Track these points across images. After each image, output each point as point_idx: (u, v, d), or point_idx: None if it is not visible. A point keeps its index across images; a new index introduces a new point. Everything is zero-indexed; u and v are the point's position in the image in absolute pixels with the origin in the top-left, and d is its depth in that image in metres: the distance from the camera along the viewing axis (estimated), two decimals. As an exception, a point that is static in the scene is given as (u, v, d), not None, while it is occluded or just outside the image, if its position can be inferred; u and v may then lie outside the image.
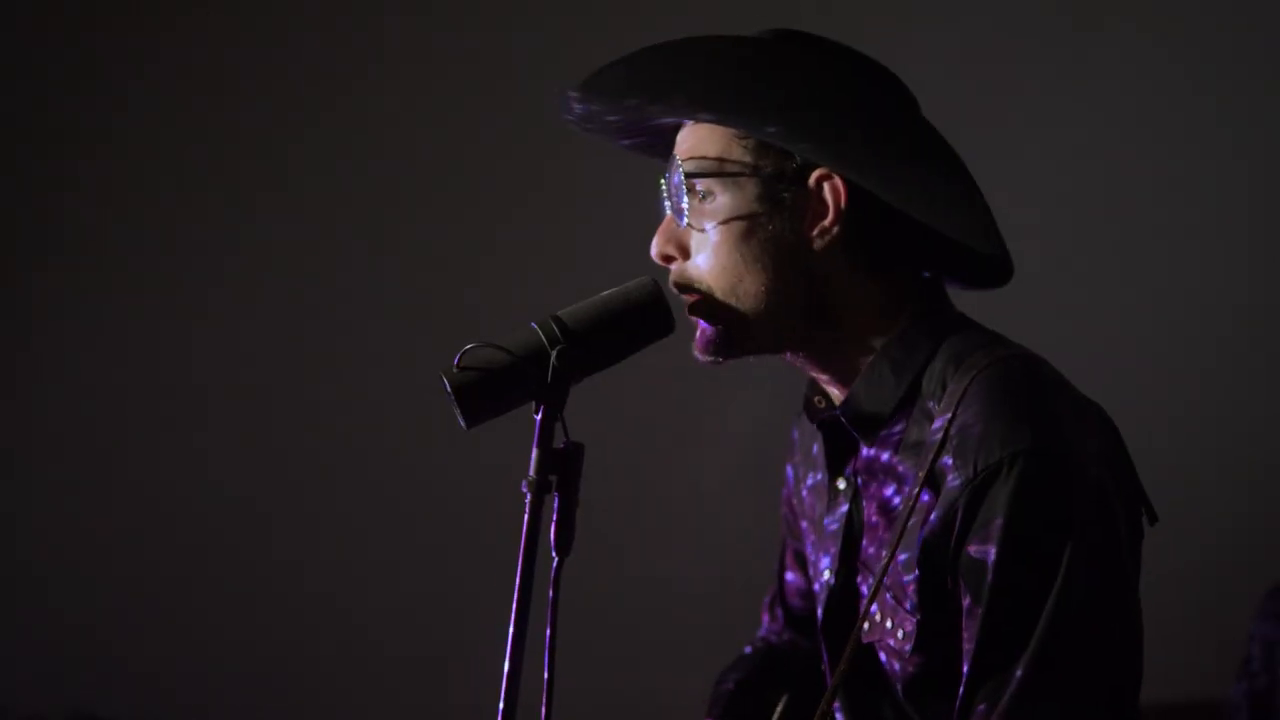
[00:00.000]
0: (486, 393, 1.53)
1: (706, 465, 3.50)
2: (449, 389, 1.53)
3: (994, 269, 1.71)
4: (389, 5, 3.50)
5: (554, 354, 1.53)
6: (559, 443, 1.54)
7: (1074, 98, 3.67)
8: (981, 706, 1.56)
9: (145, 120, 3.38)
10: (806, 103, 1.63)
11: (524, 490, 1.51)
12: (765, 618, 2.13)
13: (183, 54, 3.39)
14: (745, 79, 1.65)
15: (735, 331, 1.69)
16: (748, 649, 2.11)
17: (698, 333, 1.71)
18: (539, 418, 1.53)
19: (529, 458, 1.52)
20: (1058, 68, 3.67)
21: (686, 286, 1.70)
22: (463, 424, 1.56)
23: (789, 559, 2.07)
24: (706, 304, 1.69)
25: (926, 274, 1.74)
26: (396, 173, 3.47)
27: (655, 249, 1.72)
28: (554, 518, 1.53)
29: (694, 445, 3.49)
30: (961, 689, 1.59)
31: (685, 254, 1.71)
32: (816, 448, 1.86)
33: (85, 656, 3.31)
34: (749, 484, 3.14)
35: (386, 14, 3.47)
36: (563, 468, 1.53)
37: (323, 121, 3.45)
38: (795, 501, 1.97)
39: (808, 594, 2.05)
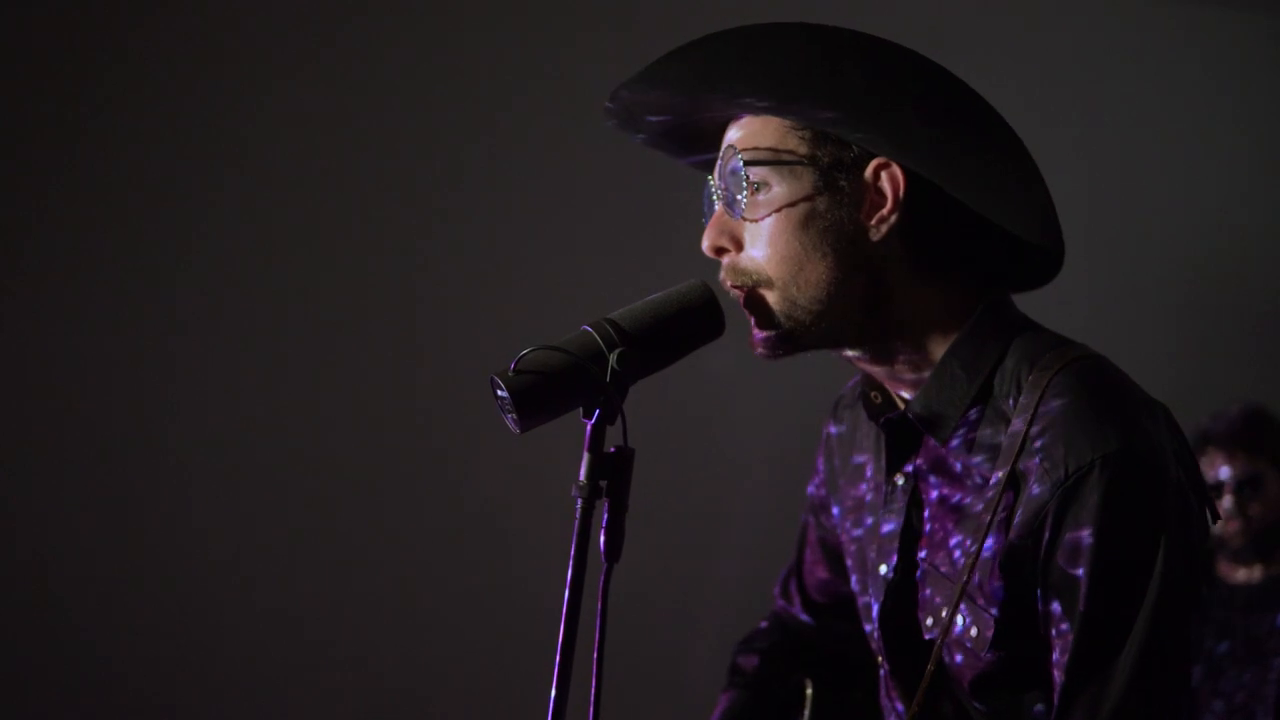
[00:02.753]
0: (544, 397, 1.51)
1: (748, 463, 3.48)
2: (506, 393, 1.50)
3: (1044, 263, 1.70)
4: (418, 6, 3.49)
5: (613, 357, 1.51)
6: (609, 447, 1.51)
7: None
8: (1083, 710, 1.56)
9: (148, 122, 3.37)
10: (863, 91, 1.62)
11: (574, 495, 1.49)
12: (778, 598, 2.12)
13: (185, 54, 3.38)
14: (800, 67, 1.63)
15: (795, 324, 1.66)
16: (763, 624, 2.11)
17: (753, 327, 1.69)
18: (591, 423, 1.51)
19: (577, 463, 1.49)
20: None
21: (741, 279, 1.68)
22: (515, 429, 1.53)
23: (813, 550, 2.07)
24: (762, 297, 1.67)
25: (983, 276, 1.72)
26: (421, 175, 3.46)
27: (707, 242, 1.69)
28: (603, 523, 1.50)
29: (734, 443, 3.47)
30: (1058, 695, 1.59)
31: (739, 246, 1.68)
32: (868, 443, 1.86)
33: (87, 663, 3.29)
34: (791, 482, 3.15)
35: (411, 14, 3.48)
36: (613, 473, 1.50)
37: (341, 123, 3.44)
38: (833, 496, 1.96)
39: (828, 584, 2.05)
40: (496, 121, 3.52)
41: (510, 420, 1.53)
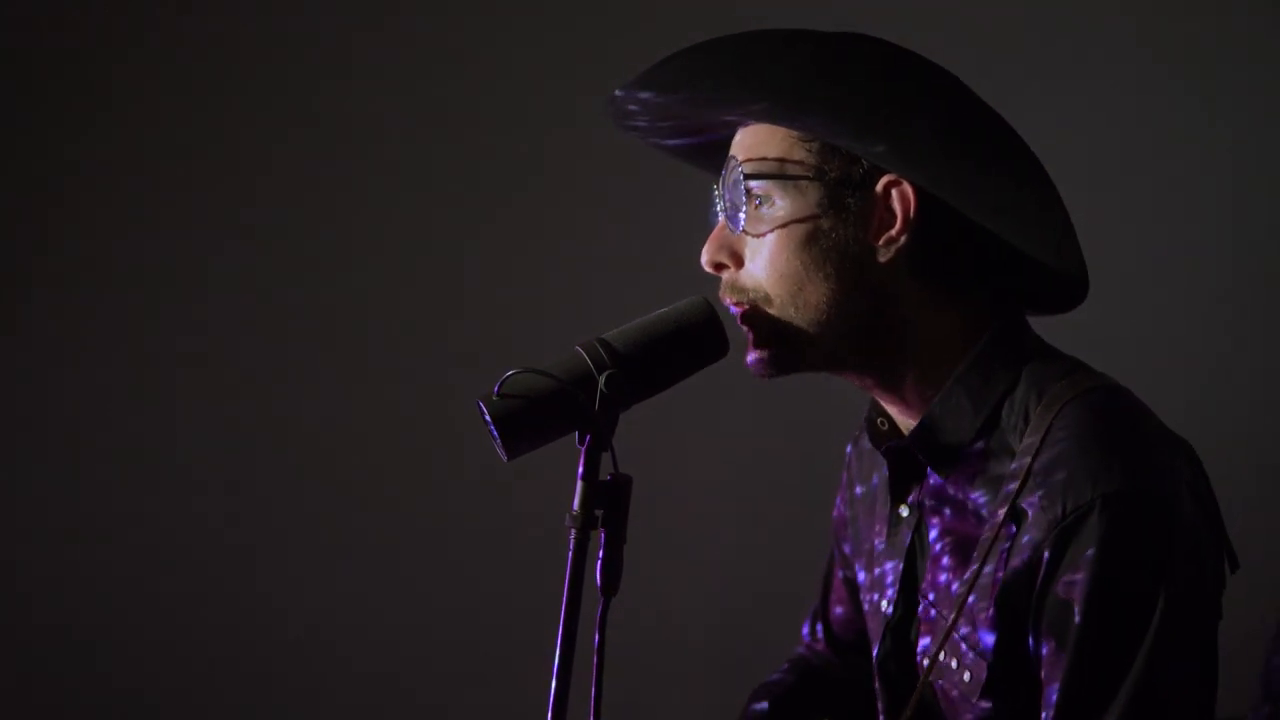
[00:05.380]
0: (530, 422, 1.44)
1: (733, 483, 3.39)
2: (489, 419, 1.44)
3: (1067, 288, 1.61)
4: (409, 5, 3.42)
5: (602, 379, 1.43)
6: (605, 475, 1.43)
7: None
8: None
9: (152, 124, 3.31)
10: (874, 103, 1.53)
11: (568, 526, 1.41)
12: (805, 634, 2.05)
13: (191, 55, 3.33)
14: (811, 78, 1.55)
15: (792, 344, 1.59)
16: (784, 665, 2.03)
17: (750, 345, 1.61)
18: (584, 448, 1.43)
19: (571, 490, 1.42)
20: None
21: (740, 296, 1.60)
22: (503, 456, 1.46)
23: (836, 585, 1.99)
24: (761, 314, 1.59)
25: (999, 296, 1.63)
26: (417, 182, 3.39)
27: (706, 257, 1.62)
28: (600, 555, 1.43)
29: (719, 462, 3.38)
30: None
31: (739, 262, 1.60)
32: (876, 473, 1.77)
33: (88, 665, 3.26)
34: (780, 502, 3.05)
35: (405, 14, 3.40)
36: (609, 501, 1.42)
37: (335, 126, 3.36)
38: (849, 527, 1.88)
39: (852, 623, 1.97)
40: (510, 124, 3.42)
41: (497, 447, 1.46)
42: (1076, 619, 1.47)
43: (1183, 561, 1.47)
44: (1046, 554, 1.48)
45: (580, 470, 1.42)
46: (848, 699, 1.97)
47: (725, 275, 1.62)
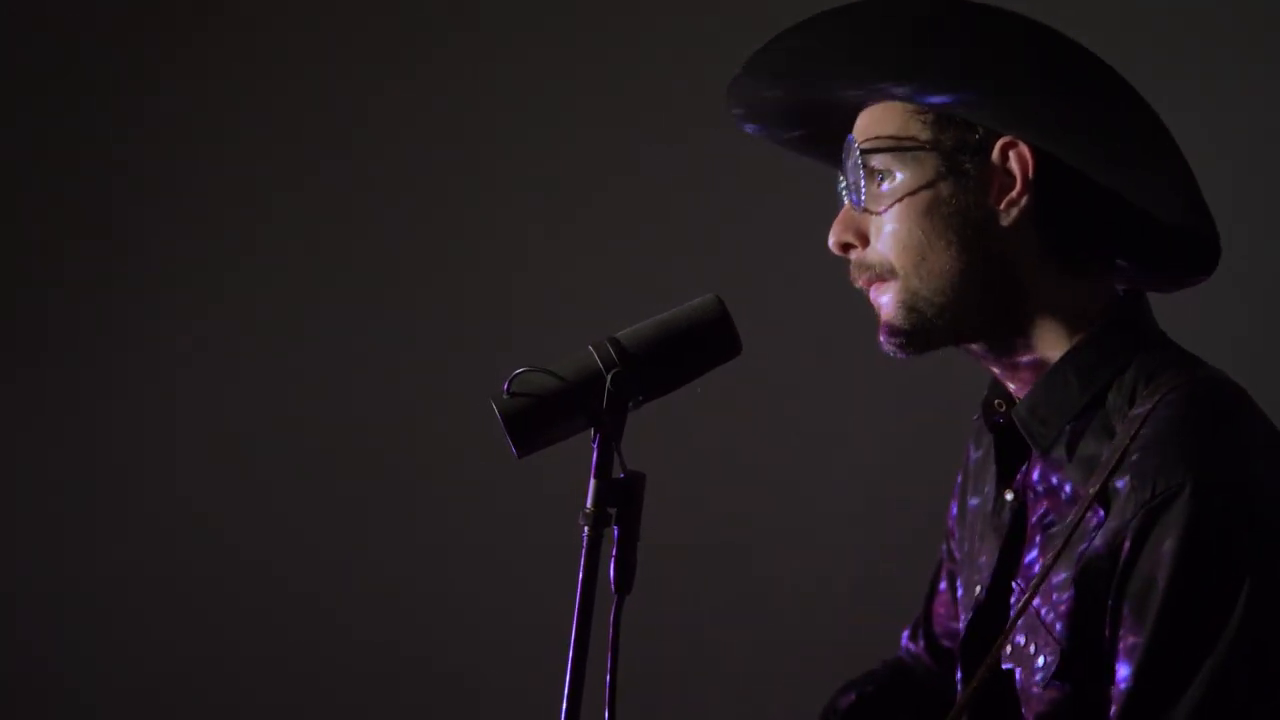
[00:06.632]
0: (539, 421, 1.46)
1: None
2: (499, 416, 1.46)
3: (1196, 255, 1.60)
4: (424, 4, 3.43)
5: (609, 378, 1.45)
6: (618, 472, 1.45)
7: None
8: None
9: (153, 123, 3.34)
10: (983, 67, 1.56)
11: (581, 524, 1.43)
12: (907, 640, 2.03)
13: (200, 56, 3.35)
14: (912, 45, 1.57)
15: (920, 316, 1.60)
16: (879, 666, 2.02)
17: (880, 322, 1.63)
18: (596, 445, 1.45)
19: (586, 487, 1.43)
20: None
21: (867, 274, 1.63)
22: (515, 453, 1.48)
23: (943, 583, 1.97)
24: (887, 289, 1.61)
25: (1122, 274, 1.64)
26: (437, 179, 3.39)
27: (833, 238, 1.64)
28: (613, 553, 1.44)
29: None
30: None
31: (864, 241, 1.63)
32: (989, 483, 1.76)
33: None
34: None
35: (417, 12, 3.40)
36: (623, 499, 1.44)
37: (342, 125, 3.37)
38: (959, 533, 1.87)
39: (953, 623, 1.95)
40: (525, 123, 3.41)
41: (509, 444, 1.48)
42: (1157, 603, 1.45)
43: (1272, 556, 1.45)
44: (1131, 534, 1.47)
45: (593, 468, 1.44)
46: (932, 706, 1.94)
47: (853, 255, 1.64)
